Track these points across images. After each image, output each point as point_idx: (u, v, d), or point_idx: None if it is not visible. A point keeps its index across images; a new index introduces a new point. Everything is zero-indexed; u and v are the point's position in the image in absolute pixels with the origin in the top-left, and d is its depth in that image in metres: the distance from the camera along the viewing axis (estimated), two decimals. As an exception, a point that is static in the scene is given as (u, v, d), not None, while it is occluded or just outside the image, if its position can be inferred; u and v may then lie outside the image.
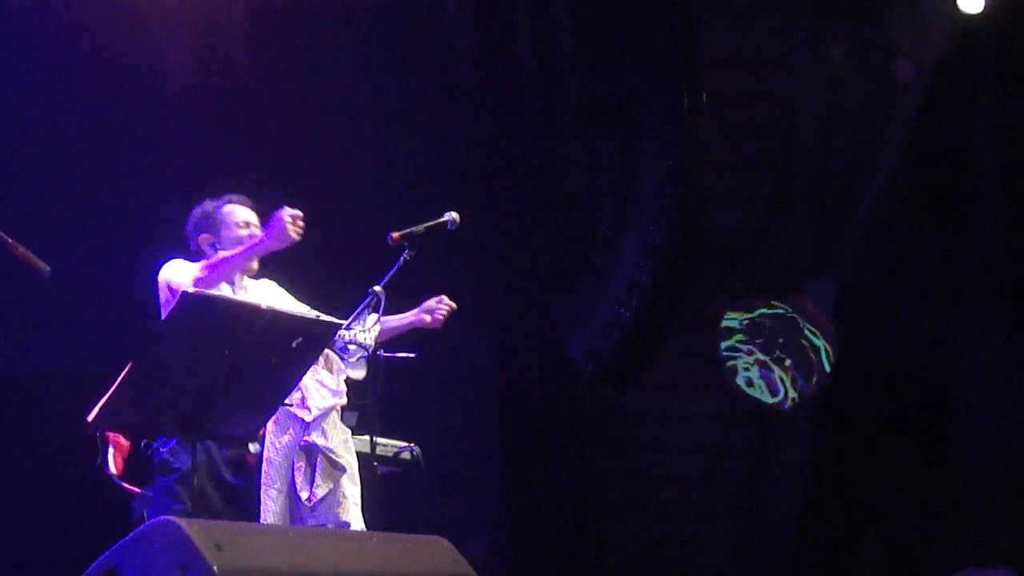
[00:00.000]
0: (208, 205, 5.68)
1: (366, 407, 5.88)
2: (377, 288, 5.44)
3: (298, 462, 5.40)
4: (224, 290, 5.49)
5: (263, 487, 5.37)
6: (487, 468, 8.87)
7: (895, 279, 9.18)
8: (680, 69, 8.12)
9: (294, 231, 5.18)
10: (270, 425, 5.34)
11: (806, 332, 9.09)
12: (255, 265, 5.63)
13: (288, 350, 4.76)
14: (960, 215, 9.16)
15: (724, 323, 9.16)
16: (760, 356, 9.13)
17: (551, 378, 9.01)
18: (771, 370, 9.12)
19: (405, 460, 6.39)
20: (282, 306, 5.42)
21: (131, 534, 3.87)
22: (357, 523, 5.43)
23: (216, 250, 5.57)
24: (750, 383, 9.13)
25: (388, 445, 6.31)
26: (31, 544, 7.35)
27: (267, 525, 5.23)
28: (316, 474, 5.39)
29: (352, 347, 5.41)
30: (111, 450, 5.33)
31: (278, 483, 5.39)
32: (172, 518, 3.83)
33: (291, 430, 5.42)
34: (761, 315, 9.19)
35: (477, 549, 6.73)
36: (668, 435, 9.41)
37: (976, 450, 8.91)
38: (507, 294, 8.77)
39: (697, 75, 8.14)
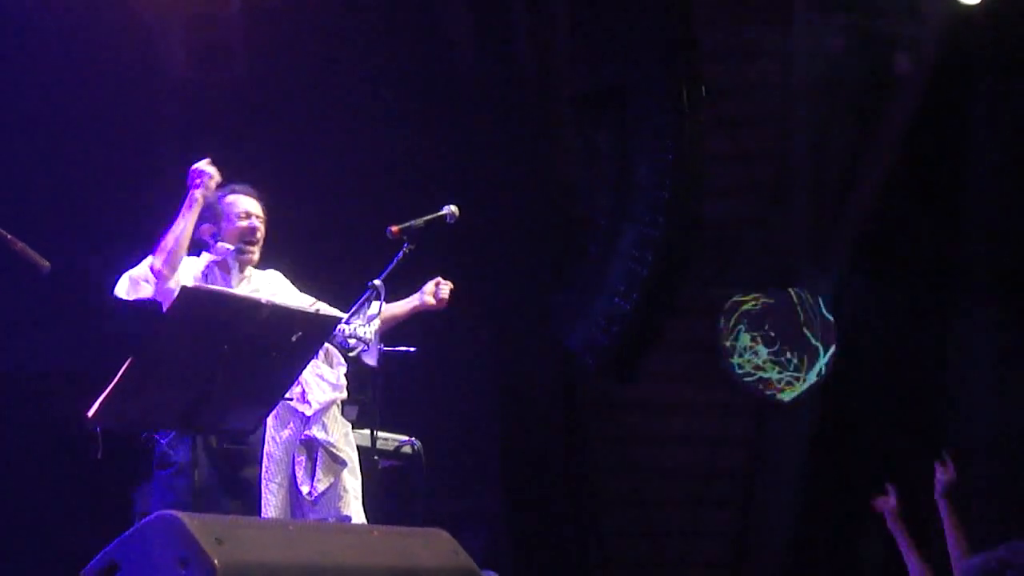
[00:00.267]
0: (211, 195, 5.67)
1: (366, 401, 5.89)
2: (377, 282, 5.44)
3: (299, 456, 5.40)
4: (224, 282, 5.50)
5: (264, 481, 5.38)
6: (487, 461, 8.88)
7: (891, 270, 9.18)
8: (677, 61, 8.12)
9: (209, 170, 5.28)
10: (270, 419, 5.34)
11: (804, 323, 9.11)
12: (255, 254, 5.62)
13: (288, 344, 4.76)
14: (956, 206, 9.17)
15: (723, 314, 9.18)
16: (759, 347, 9.14)
17: (550, 371, 9.02)
18: (770, 361, 9.13)
19: (406, 454, 6.40)
20: (283, 299, 5.41)
21: (131, 529, 3.87)
22: (358, 517, 5.44)
23: (216, 241, 5.56)
24: (749, 374, 9.14)
25: (389, 439, 6.32)
26: (31, 540, 7.34)
27: (268, 519, 5.24)
28: (317, 468, 5.39)
29: (352, 341, 5.42)
30: None
31: (279, 477, 5.40)
32: (172, 512, 3.83)
33: (291, 424, 5.43)
34: (760, 306, 9.20)
35: (478, 541, 6.77)
36: (667, 427, 9.42)
37: (973, 441, 8.92)
38: (506, 287, 8.78)
39: (694, 67, 8.15)
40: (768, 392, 9.13)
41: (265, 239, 5.64)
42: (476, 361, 8.83)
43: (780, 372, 9.10)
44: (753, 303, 9.20)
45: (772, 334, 9.13)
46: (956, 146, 9.05)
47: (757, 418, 9.41)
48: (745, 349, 9.15)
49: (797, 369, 9.10)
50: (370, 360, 5.50)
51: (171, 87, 8.36)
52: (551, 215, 8.95)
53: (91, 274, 7.18)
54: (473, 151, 8.70)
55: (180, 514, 3.77)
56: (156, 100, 8.27)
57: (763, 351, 9.15)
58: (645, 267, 8.13)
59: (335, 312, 5.38)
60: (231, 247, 5.54)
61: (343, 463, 5.43)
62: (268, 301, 4.84)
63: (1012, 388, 8.92)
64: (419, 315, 5.77)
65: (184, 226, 5.35)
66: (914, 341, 9.04)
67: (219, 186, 5.61)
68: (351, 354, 5.47)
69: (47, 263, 4.59)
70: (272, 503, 5.35)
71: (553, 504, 9.02)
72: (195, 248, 5.58)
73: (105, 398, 4.51)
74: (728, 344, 9.17)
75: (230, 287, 5.49)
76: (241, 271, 5.60)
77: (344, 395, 5.54)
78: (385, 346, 5.73)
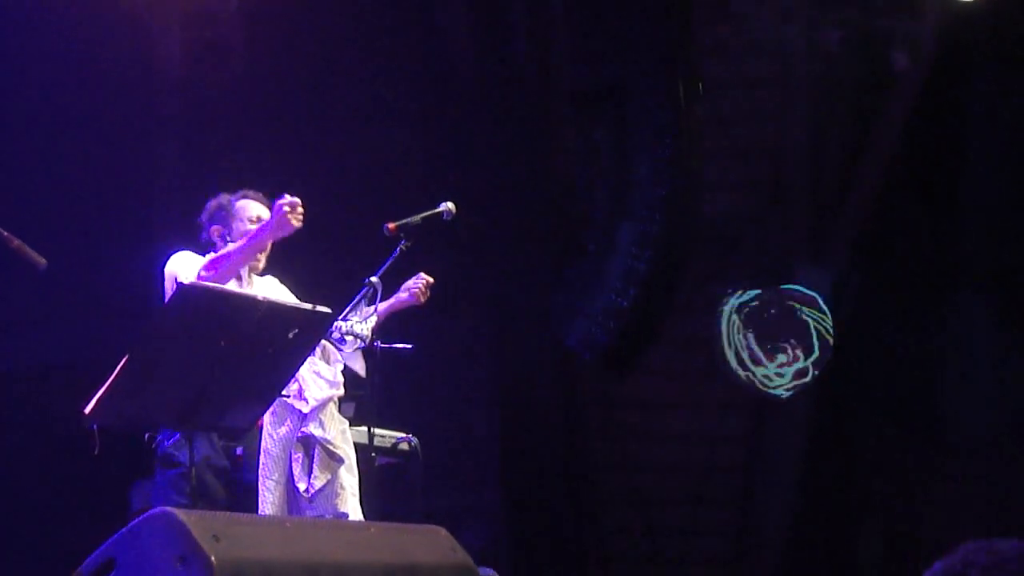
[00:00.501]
0: (223, 198, 5.71)
1: (364, 398, 5.88)
2: (373, 279, 5.45)
3: (296, 453, 5.40)
4: (231, 286, 5.50)
5: (261, 478, 5.38)
6: (485, 458, 8.88)
7: (890, 268, 9.18)
8: (675, 57, 8.12)
9: (294, 219, 5.19)
10: (267, 417, 5.34)
11: (803, 319, 9.10)
12: (262, 262, 5.63)
13: (285, 341, 4.76)
14: (955, 204, 9.17)
15: (721, 310, 9.17)
16: (758, 343, 9.14)
17: (548, 367, 9.01)
18: (768, 357, 9.13)
19: (403, 451, 6.40)
20: (279, 297, 5.42)
21: (129, 525, 3.87)
22: (355, 514, 5.44)
23: (226, 242, 5.58)
24: (747, 370, 9.14)
25: (386, 436, 6.31)
26: (29, 536, 7.34)
27: (265, 516, 5.23)
28: (314, 465, 5.39)
29: (349, 338, 5.42)
30: None
31: (276, 474, 5.40)
32: (170, 509, 3.83)
33: (289, 421, 5.43)
34: (758, 302, 9.19)
35: (475, 539, 6.76)
36: (665, 423, 9.41)
37: (971, 436, 8.92)
38: (504, 284, 8.78)
39: (692, 63, 8.15)
40: (766, 390, 9.12)
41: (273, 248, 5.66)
42: (474, 358, 8.84)
43: (778, 369, 9.10)
44: (751, 300, 9.20)
45: (770, 331, 9.12)
46: (954, 143, 9.06)
47: (756, 416, 9.41)
48: (743, 346, 9.15)
49: (795, 366, 9.09)
50: (355, 364, 5.52)
51: (169, 86, 8.36)
52: (550, 213, 8.95)
53: (88, 272, 7.19)
54: (472, 149, 8.70)
55: (177, 511, 3.77)
56: (154, 99, 8.27)
57: (761, 348, 9.14)
58: (644, 264, 8.13)
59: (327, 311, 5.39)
60: None
61: (340, 460, 5.43)
62: (264, 298, 4.85)
63: (1010, 386, 8.92)
64: (410, 311, 5.79)
65: (248, 253, 5.40)
66: (912, 339, 9.04)
67: (233, 189, 5.66)
68: (348, 351, 5.47)
69: (44, 261, 4.59)
70: (269, 500, 5.35)
71: (552, 501, 9.02)
72: (203, 248, 5.59)
73: (102, 395, 4.51)
74: (726, 341, 9.17)
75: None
76: (249, 275, 5.63)
77: (341, 392, 5.54)
78: (382, 343, 5.73)
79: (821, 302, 9.08)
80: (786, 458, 9.27)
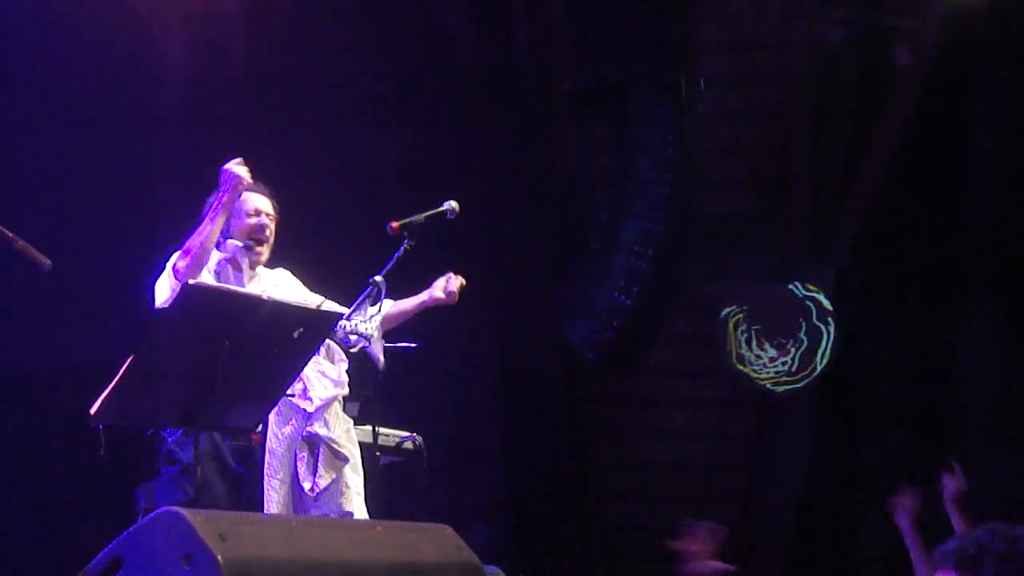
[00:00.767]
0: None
1: (368, 397, 5.88)
2: (377, 278, 5.43)
3: (301, 452, 5.40)
4: (236, 280, 5.49)
5: (266, 477, 5.37)
6: (489, 456, 8.89)
7: (892, 263, 9.18)
8: (677, 54, 8.12)
9: (239, 171, 5.21)
10: (272, 416, 5.34)
11: (807, 316, 9.10)
12: (264, 254, 5.60)
13: (289, 340, 4.75)
14: (957, 199, 9.17)
15: (724, 307, 9.18)
16: (761, 340, 9.14)
17: (552, 366, 9.02)
18: (771, 355, 9.13)
19: (407, 449, 6.40)
20: (284, 296, 5.40)
21: (135, 525, 3.87)
22: (360, 512, 5.44)
23: (226, 238, 5.55)
24: (750, 367, 9.14)
25: (390, 435, 6.32)
26: (36, 537, 7.34)
27: (271, 515, 5.23)
28: (319, 464, 5.39)
29: (353, 337, 5.41)
30: None
31: (281, 473, 5.40)
32: (176, 508, 3.82)
33: (293, 421, 5.43)
34: (762, 299, 9.20)
35: (480, 536, 6.76)
36: (669, 421, 9.43)
37: (976, 433, 8.92)
38: (507, 282, 8.78)
39: (694, 60, 8.15)
40: (769, 386, 9.12)
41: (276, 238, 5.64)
42: (478, 356, 8.84)
43: (781, 366, 9.10)
44: (756, 296, 9.20)
45: (773, 328, 9.13)
46: (956, 139, 9.06)
47: (758, 413, 9.42)
48: (746, 343, 9.15)
49: (798, 362, 9.10)
50: (375, 355, 5.50)
51: (170, 86, 8.36)
52: (552, 210, 8.95)
53: (92, 272, 7.19)
54: (474, 147, 8.70)
55: (184, 510, 3.77)
56: (155, 98, 8.27)
57: (764, 345, 9.15)
58: (646, 261, 8.14)
59: (339, 308, 5.38)
60: (240, 244, 5.53)
61: (345, 459, 5.43)
62: (269, 297, 4.83)
63: (1015, 380, 8.92)
64: (425, 310, 5.77)
65: (212, 229, 5.33)
66: (915, 334, 9.04)
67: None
68: (352, 350, 5.47)
69: (48, 261, 4.59)
70: (274, 499, 5.35)
71: (556, 499, 9.03)
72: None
73: (107, 395, 4.50)
74: (729, 338, 9.17)
75: (242, 285, 5.48)
76: (252, 268, 5.60)
77: (346, 391, 5.53)
78: (387, 342, 5.72)
79: (823, 299, 9.09)
80: (788, 455, 9.28)
